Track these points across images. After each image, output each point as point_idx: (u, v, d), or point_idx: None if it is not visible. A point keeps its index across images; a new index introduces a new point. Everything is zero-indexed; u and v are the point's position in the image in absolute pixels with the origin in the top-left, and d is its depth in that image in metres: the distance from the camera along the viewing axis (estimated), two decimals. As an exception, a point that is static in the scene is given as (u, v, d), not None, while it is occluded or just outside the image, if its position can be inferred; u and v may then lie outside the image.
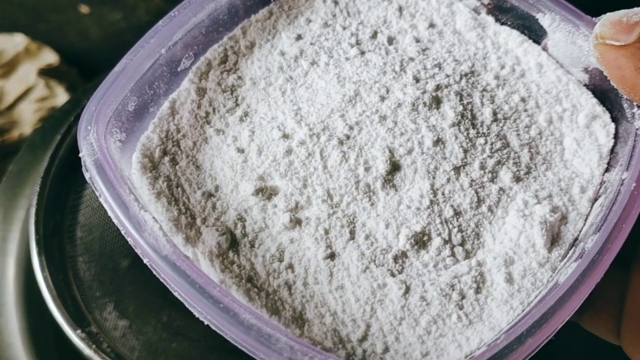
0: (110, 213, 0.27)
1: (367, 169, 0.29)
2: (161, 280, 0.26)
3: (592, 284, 0.25)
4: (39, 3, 0.87)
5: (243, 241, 0.28)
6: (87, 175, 0.27)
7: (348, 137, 0.30)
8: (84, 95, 0.59)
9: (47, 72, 0.78)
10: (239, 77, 0.33)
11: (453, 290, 0.27)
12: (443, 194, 0.29)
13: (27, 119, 0.74)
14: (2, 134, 0.72)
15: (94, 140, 0.28)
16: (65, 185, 0.47)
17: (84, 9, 0.86)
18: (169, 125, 0.31)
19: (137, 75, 0.31)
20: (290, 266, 0.27)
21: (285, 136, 0.30)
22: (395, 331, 0.26)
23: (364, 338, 0.26)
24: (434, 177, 0.30)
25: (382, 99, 0.31)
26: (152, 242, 0.26)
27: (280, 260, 0.28)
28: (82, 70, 0.81)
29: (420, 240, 0.28)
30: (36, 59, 0.80)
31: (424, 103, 0.31)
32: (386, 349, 0.26)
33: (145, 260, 0.26)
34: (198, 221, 0.28)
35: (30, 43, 0.80)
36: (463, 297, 0.27)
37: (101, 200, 0.27)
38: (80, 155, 0.28)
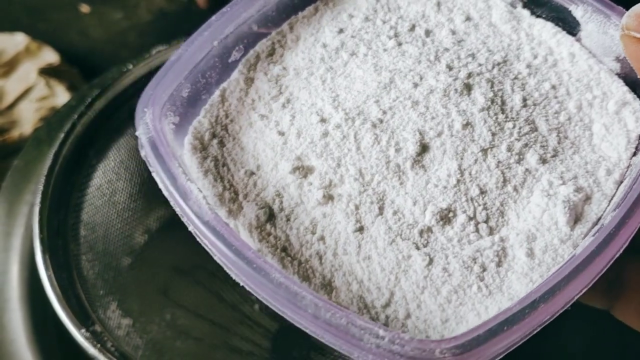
0: (160, 185, 0.29)
1: (397, 150, 0.31)
2: (203, 245, 0.29)
3: (607, 257, 0.26)
4: (40, 2, 0.87)
5: (280, 215, 0.30)
6: (142, 153, 0.30)
7: (381, 121, 0.32)
8: (89, 91, 0.58)
9: (47, 72, 0.77)
10: (284, 68, 0.35)
11: (475, 263, 0.28)
12: (470, 174, 0.30)
13: (28, 118, 0.74)
14: (2, 134, 0.71)
15: (149, 120, 0.31)
16: (69, 184, 0.47)
17: (85, 8, 0.86)
18: (219, 111, 0.34)
19: (190, 65, 0.33)
20: (322, 238, 0.30)
21: (323, 120, 0.32)
22: (417, 299, 0.28)
23: (387, 304, 0.28)
24: (461, 158, 0.31)
25: (416, 85, 0.33)
26: (196, 209, 0.28)
27: (313, 233, 0.30)
28: (83, 70, 0.81)
29: (446, 217, 0.30)
30: (37, 58, 0.80)
31: (455, 89, 0.33)
32: (408, 315, 0.28)
33: (190, 228, 0.29)
34: (240, 197, 0.31)
35: (31, 42, 0.80)
36: (484, 269, 0.28)
37: (153, 174, 0.30)
38: (137, 133, 0.31)
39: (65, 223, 0.46)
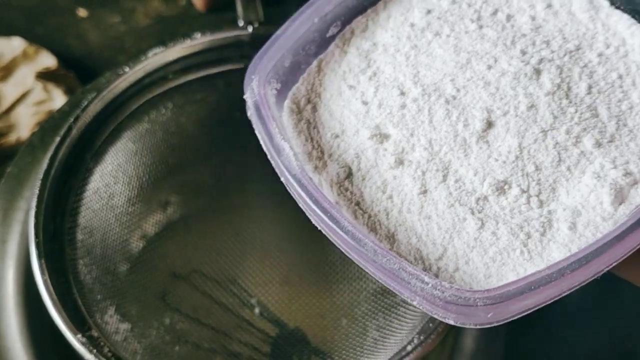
0: (261, 142, 0.35)
1: (465, 126, 0.35)
2: (290, 193, 0.33)
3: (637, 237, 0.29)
4: (37, 6, 0.86)
5: (357, 174, 0.35)
6: (248, 113, 0.36)
7: (454, 98, 0.36)
8: (83, 96, 0.57)
9: (45, 76, 0.77)
10: (374, 44, 0.39)
11: (521, 230, 0.32)
12: (529, 152, 0.34)
13: (25, 122, 0.73)
14: (0, 137, 0.71)
15: (255, 86, 0.36)
16: (65, 188, 0.47)
17: (82, 12, 0.85)
18: (314, 80, 0.38)
19: (293, 39, 0.38)
20: (390, 197, 0.34)
21: (402, 93, 0.36)
22: (466, 256, 0.32)
23: (440, 258, 0.32)
24: (522, 137, 0.34)
25: (489, 67, 0.36)
26: (287, 164, 0.33)
27: (383, 192, 0.34)
28: (81, 74, 0.80)
29: (502, 188, 0.33)
30: (34, 62, 0.79)
31: (525, 74, 0.36)
32: (457, 269, 0.32)
33: (282, 179, 0.33)
34: (325, 156, 0.35)
35: (28, 46, 0.79)
36: (529, 237, 0.32)
37: (256, 132, 0.35)
38: (244, 97, 0.36)
39: (62, 227, 0.46)
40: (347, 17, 0.40)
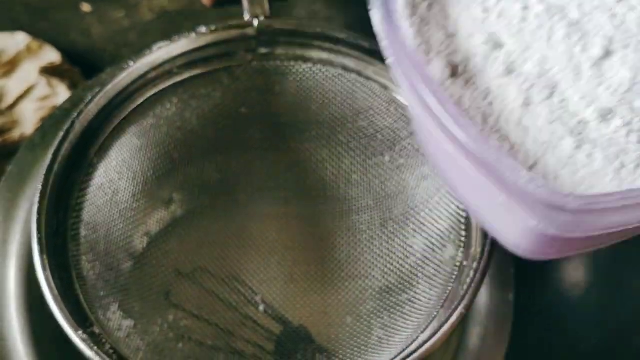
0: (377, 19, 0.35)
1: (583, 50, 0.35)
2: (396, 76, 0.34)
3: None
4: (41, 1, 0.85)
5: (462, 76, 0.35)
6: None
7: (577, 22, 0.35)
8: (84, 93, 0.57)
9: (49, 71, 0.76)
10: None
11: (617, 159, 0.32)
12: (639, 88, 0.34)
13: (29, 118, 0.72)
14: (3, 134, 0.70)
15: None
16: (68, 183, 0.46)
17: (86, 7, 0.85)
18: None
19: None
20: (491, 104, 0.34)
21: (526, 8, 0.36)
22: (556, 173, 0.32)
23: (530, 168, 0.32)
24: (636, 73, 0.34)
25: (618, 1, 0.36)
26: (402, 41, 0.34)
27: (485, 98, 0.34)
28: (85, 69, 0.79)
29: (605, 117, 0.33)
30: (38, 57, 0.78)
31: None
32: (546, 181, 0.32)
33: (390, 59, 0.34)
34: (432, 53, 0.35)
35: (32, 42, 0.78)
36: (623, 167, 0.32)
37: (374, 8, 0.35)
38: None
39: (65, 223, 0.45)
40: None
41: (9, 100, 0.74)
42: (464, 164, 0.31)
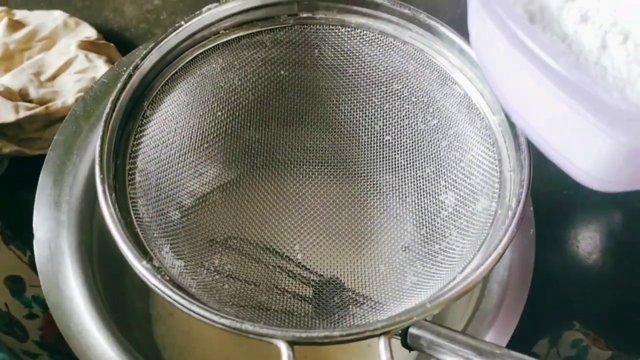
0: None
1: None
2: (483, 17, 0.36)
3: None
4: (75, -20, 0.86)
5: (539, 23, 0.37)
6: None
7: None
8: (119, 69, 0.59)
9: (86, 46, 0.77)
10: None
11: None
12: None
13: (69, 89, 0.73)
14: (46, 103, 0.71)
15: None
16: (125, 132, 0.47)
17: (119, -15, 0.85)
18: None
19: None
20: (569, 46, 0.36)
21: None
22: (637, 103, 0.33)
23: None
24: None
25: None
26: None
27: (563, 41, 0.36)
28: (119, 47, 0.80)
29: None
30: (75, 33, 0.79)
31: None
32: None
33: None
34: (511, 1, 0.37)
35: (68, 18, 0.79)
36: None
37: None
38: None
39: (123, 168, 0.46)
40: None
41: (50, 72, 0.75)
42: (549, 94, 0.33)
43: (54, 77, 0.76)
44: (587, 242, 0.68)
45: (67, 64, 0.76)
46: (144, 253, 0.42)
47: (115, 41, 0.80)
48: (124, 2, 0.85)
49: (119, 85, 0.46)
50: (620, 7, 0.37)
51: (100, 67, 0.75)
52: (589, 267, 0.67)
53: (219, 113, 0.54)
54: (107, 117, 0.45)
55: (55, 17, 0.80)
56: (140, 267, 0.40)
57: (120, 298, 0.56)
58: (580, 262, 0.68)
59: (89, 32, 0.80)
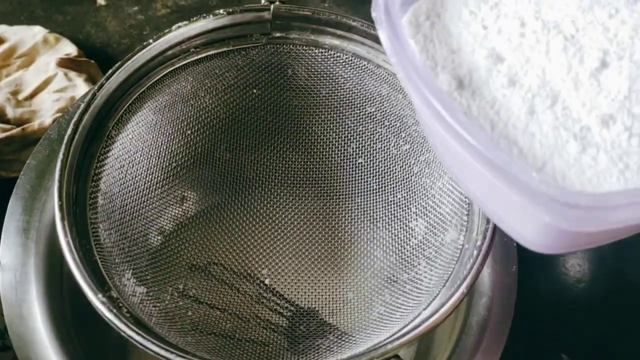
0: (385, 39, 0.35)
1: (580, 62, 0.36)
2: (408, 90, 0.34)
3: None
4: (57, -5, 0.85)
5: (468, 88, 0.36)
6: (373, 14, 0.36)
7: (572, 37, 0.37)
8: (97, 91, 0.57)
9: (66, 63, 0.75)
10: None
11: (620, 161, 0.33)
12: (637, 95, 0.34)
13: (47, 108, 0.71)
14: (22, 124, 0.69)
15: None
16: (88, 153, 0.45)
17: (101, 0, 0.84)
18: (436, 1, 0.39)
19: None
20: (498, 112, 0.35)
21: (523, 25, 0.37)
22: (563, 173, 0.33)
23: (540, 169, 0.33)
24: (633, 82, 0.35)
25: (611, 16, 0.37)
26: (411, 58, 0.35)
27: (492, 107, 0.35)
28: (100, 62, 0.79)
29: (606, 122, 0.34)
30: (55, 50, 0.77)
31: None
32: (554, 180, 0.32)
33: (400, 74, 0.34)
34: (438, 67, 0.36)
35: (48, 34, 0.78)
36: (627, 168, 0.33)
37: (382, 29, 0.36)
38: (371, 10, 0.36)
39: (84, 191, 0.44)
40: None
41: (28, 91, 0.73)
42: (477, 168, 0.32)
43: (32, 96, 0.74)
44: (576, 269, 0.67)
45: (46, 82, 0.74)
46: (101, 284, 0.40)
47: (97, 57, 0.79)
48: (107, 17, 0.84)
49: (82, 106, 0.45)
50: (548, 67, 0.36)
51: (79, 86, 0.73)
52: (577, 296, 0.66)
53: (189, 132, 0.53)
54: (68, 140, 0.44)
55: (35, 33, 0.78)
56: (95, 301, 0.38)
57: (94, 329, 0.54)
58: (568, 290, 0.66)
59: (69, 49, 0.78)
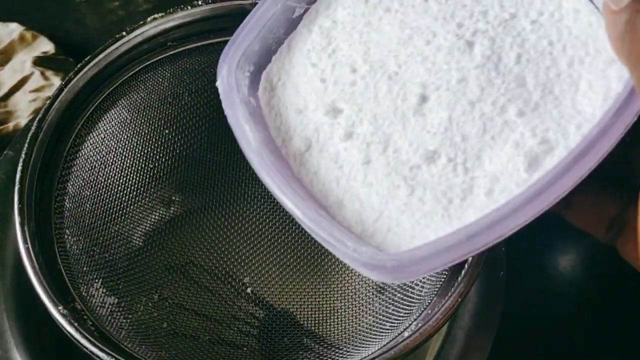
0: (230, 124, 0.36)
1: (403, 100, 0.35)
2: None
3: (544, 199, 0.30)
4: (35, -10, 0.81)
5: (315, 147, 0.36)
6: (221, 97, 0.37)
7: (396, 74, 0.36)
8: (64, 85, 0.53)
9: (43, 62, 0.72)
10: (334, 22, 0.39)
11: (444, 196, 0.33)
12: (457, 123, 0.34)
13: (23, 109, 0.68)
14: (-1, 124, 0.66)
15: (224, 74, 0.37)
16: (54, 153, 0.41)
17: (81, -4, 0.80)
18: (285, 59, 0.39)
19: (260, 24, 0.38)
20: (341, 167, 0.35)
21: (354, 71, 0.37)
22: (397, 219, 0.33)
23: (376, 221, 0.34)
24: (452, 110, 0.34)
25: (428, 43, 0.36)
26: (247, 142, 0.35)
27: (336, 162, 0.35)
28: (80, 60, 0.74)
29: (432, 158, 0.34)
30: (31, 48, 0.74)
31: (459, 48, 0.35)
32: (389, 230, 0.33)
33: (245, 154, 0.35)
34: (291, 130, 0.37)
35: (25, 31, 0.74)
36: (451, 203, 0.33)
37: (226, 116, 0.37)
38: (216, 84, 0.37)
39: (50, 194, 0.40)
40: None
41: (3, 91, 0.70)
42: None
43: (7, 97, 0.70)
44: (567, 271, 0.63)
45: (22, 82, 0.71)
46: (64, 294, 0.36)
47: (76, 55, 0.75)
48: (86, 14, 0.80)
49: (48, 102, 0.41)
50: (378, 111, 0.35)
51: (56, 85, 0.70)
52: (568, 302, 0.62)
53: (167, 132, 0.49)
54: (31, 138, 0.40)
55: (12, 31, 0.75)
56: (55, 313, 0.34)
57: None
58: (558, 297, 0.62)
59: (46, 47, 0.74)
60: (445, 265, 0.31)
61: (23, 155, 0.39)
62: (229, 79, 0.37)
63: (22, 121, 0.66)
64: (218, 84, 0.37)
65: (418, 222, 0.33)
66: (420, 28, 0.36)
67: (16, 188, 0.38)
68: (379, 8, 0.38)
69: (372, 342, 0.41)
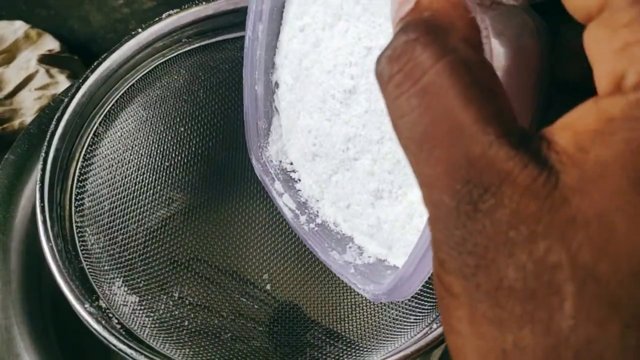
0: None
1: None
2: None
3: None
4: (39, -12, 0.80)
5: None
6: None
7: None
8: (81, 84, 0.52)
9: (48, 60, 0.71)
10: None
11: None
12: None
13: (28, 107, 0.68)
14: (2, 123, 0.65)
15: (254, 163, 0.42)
16: (72, 152, 0.41)
17: (85, -7, 0.79)
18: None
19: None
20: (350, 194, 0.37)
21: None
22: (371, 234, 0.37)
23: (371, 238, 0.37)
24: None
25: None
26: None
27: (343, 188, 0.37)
28: (85, 58, 0.74)
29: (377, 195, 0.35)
30: (36, 46, 0.73)
31: (341, 102, 0.34)
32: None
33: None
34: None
35: (30, 29, 0.73)
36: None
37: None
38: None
39: (70, 193, 0.40)
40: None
41: (8, 89, 0.69)
42: None
43: (12, 95, 0.70)
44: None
45: (27, 80, 0.70)
46: (89, 292, 0.35)
47: (81, 53, 0.74)
48: (91, 11, 0.79)
49: (65, 100, 0.40)
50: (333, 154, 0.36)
51: (62, 83, 0.69)
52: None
53: (182, 129, 0.48)
54: (50, 136, 0.39)
55: (16, 29, 0.74)
56: (82, 311, 0.34)
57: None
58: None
59: (51, 45, 0.74)
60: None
61: (42, 154, 0.38)
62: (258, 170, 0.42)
63: (28, 119, 0.65)
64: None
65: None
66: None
67: (37, 187, 0.37)
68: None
69: (396, 336, 0.41)
